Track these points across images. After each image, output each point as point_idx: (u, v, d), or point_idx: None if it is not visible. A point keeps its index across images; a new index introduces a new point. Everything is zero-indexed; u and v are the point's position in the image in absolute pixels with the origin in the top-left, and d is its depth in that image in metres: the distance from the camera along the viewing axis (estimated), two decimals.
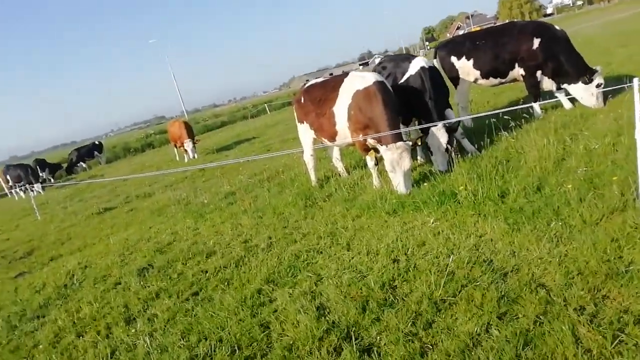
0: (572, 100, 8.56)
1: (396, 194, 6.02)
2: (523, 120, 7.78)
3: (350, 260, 4.67)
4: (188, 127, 18.51)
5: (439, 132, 6.43)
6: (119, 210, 11.28)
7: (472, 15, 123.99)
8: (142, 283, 5.64)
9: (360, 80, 6.46)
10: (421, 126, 6.53)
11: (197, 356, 3.74)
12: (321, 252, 5.09)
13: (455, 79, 8.76)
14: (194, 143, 17.97)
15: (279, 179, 9.20)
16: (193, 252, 6.28)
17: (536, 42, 7.94)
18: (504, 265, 3.86)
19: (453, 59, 8.70)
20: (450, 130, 6.51)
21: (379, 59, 8.67)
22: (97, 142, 30.41)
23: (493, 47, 8.25)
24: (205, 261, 5.86)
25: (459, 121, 6.82)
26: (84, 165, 28.21)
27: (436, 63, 9.02)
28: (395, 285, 3.98)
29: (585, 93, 7.93)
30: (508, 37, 8.19)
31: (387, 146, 5.93)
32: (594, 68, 7.84)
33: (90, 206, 12.78)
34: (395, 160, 5.84)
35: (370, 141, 6.32)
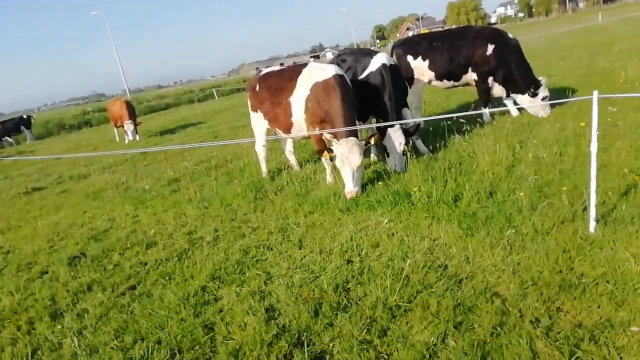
0: (520, 107, 8.82)
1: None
2: (477, 124, 7.88)
3: (302, 259, 4.49)
4: (130, 107, 17.49)
5: (397, 133, 6.37)
6: (49, 191, 10.42)
7: (421, 18, 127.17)
8: (72, 273, 5.17)
9: (320, 72, 6.25)
10: (382, 124, 6.43)
11: (132, 359, 3.42)
12: (271, 249, 4.87)
13: (411, 79, 8.76)
14: (135, 125, 17.03)
15: (227, 168, 8.84)
16: (131, 242, 5.86)
17: (490, 48, 8.07)
18: (459, 272, 3.82)
19: (409, 58, 8.69)
20: (408, 132, 6.47)
21: (330, 52, 8.47)
22: (25, 116, 28.06)
23: (449, 49, 8.30)
24: (145, 252, 5.47)
25: (418, 124, 6.78)
26: (9, 139, 26.07)
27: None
28: (349, 288, 3.84)
29: (532, 104, 8.21)
30: (464, 41, 8.26)
31: (338, 140, 5.79)
32: (539, 79, 8.09)
33: (17, 185, 11.73)
34: (345, 154, 5.67)
35: (327, 136, 6.15)
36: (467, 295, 3.46)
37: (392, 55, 8.94)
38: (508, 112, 8.91)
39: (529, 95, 8.08)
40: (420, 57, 8.57)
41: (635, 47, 16.00)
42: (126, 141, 17.20)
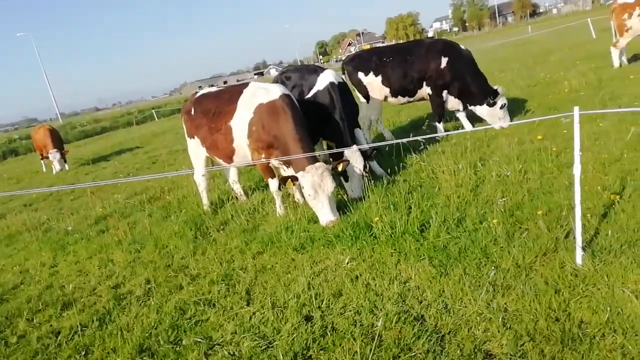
0: (472, 120, 8.55)
1: (304, 225, 5.22)
2: (433, 141, 7.47)
3: (251, 318, 3.73)
4: (54, 134, 15.96)
5: (355, 155, 5.78)
6: None
7: (362, 33, 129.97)
8: None
9: (264, 92, 5.59)
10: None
11: None
12: (214, 305, 4.08)
13: (366, 96, 8.29)
14: (62, 153, 15.55)
15: (164, 201, 7.92)
16: (44, 302, 4.86)
17: (444, 61, 7.73)
18: (439, 325, 3.21)
19: (360, 75, 8.21)
20: (366, 154, 5.89)
21: (274, 69, 7.86)
22: None
23: (402, 64, 7.90)
24: (60, 316, 4.51)
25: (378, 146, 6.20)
26: None
27: (345, 78, 8.49)
28: (311, 356, 3.13)
29: (491, 114, 7.92)
30: (416, 55, 7.89)
31: (304, 170, 5.13)
32: (495, 88, 7.83)
33: None
34: (317, 183, 5.06)
35: (275, 163, 5.47)
36: (453, 359, 2.85)
37: (342, 72, 8.46)
38: (461, 126, 8.62)
39: (487, 105, 7.78)
40: (372, 73, 8.11)
41: (568, 58, 16.52)
42: (54, 172, 15.69)
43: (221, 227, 5.98)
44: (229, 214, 6.28)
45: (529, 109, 8.95)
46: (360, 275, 4.06)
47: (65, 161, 15.72)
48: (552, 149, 6.18)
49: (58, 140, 15.86)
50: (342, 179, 5.94)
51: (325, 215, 5.16)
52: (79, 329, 4.10)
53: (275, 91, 5.57)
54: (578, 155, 3.44)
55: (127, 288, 4.84)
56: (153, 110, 42.03)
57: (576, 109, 3.41)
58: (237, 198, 6.97)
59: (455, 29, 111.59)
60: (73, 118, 65.20)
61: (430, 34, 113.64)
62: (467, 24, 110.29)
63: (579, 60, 14.96)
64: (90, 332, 4.03)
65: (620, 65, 11.91)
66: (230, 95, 5.96)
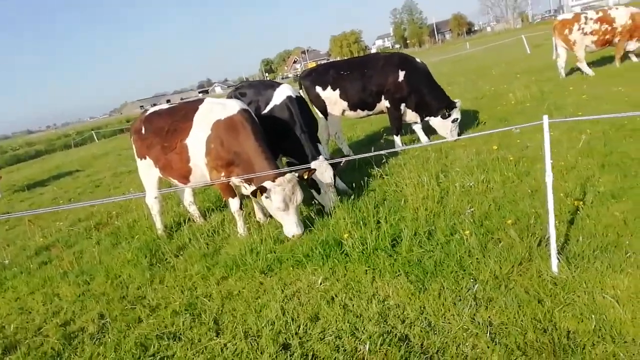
0: (427, 132, 8.66)
1: (270, 245, 4.98)
2: (397, 155, 7.46)
3: (222, 350, 3.43)
4: None
5: (323, 167, 5.63)
6: None
7: (307, 51, 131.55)
8: None
9: (221, 108, 5.34)
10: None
11: None
12: (179, 338, 3.73)
13: (324, 111, 8.19)
14: None
15: (113, 226, 7.39)
16: None
17: (401, 75, 7.78)
18: (425, 344, 3.07)
19: (318, 89, 8.11)
20: (335, 165, 5.77)
21: (219, 87, 7.61)
22: None
23: (360, 78, 7.89)
24: None
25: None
26: None
27: (302, 93, 8.38)
28: None
29: (442, 126, 8.08)
30: (374, 69, 7.91)
31: (273, 182, 4.92)
32: (454, 101, 7.98)
33: None
34: (288, 196, 4.90)
35: (236, 181, 5.21)
36: None
37: (299, 87, 8.34)
38: (418, 139, 8.70)
39: (441, 117, 7.93)
40: (329, 87, 8.04)
41: (509, 72, 17.30)
42: None
43: (179, 252, 5.61)
44: (186, 237, 5.91)
45: (481, 120, 9.18)
46: (336, 295, 3.87)
47: None
48: (510, 159, 6.31)
49: None
50: (313, 191, 5.78)
51: (292, 227, 5.01)
52: None
53: (232, 106, 5.34)
54: (549, 163, 3.47)
55: (77, 325, 4.38)
56: (93, 132, 40.15)
57: (545, 117, 3.45)
58: (194, 220, 6.61)
59: (397, 46, 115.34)
60: (3, 142, 61.16)
61: (373, 51, 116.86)
62: (408, 41, 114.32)
63: (519, 73, 15.67)
64: None
65: (564, 75, 12.53)
66: (184, 112, 5.66)
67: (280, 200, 4.87)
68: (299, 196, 5.02)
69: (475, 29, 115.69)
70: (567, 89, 10.67)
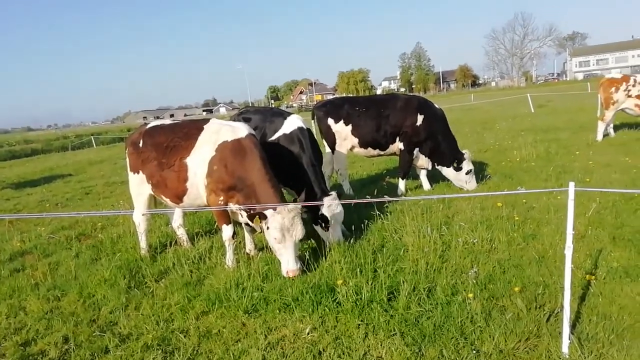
0: (431, 179, 8.46)
1: (258, 282, 4.65)
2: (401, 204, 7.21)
3: None
4: None
5: (334, 203, 5.41)
6: None
7: (314, 83, 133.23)
8: None
9: (229, 129, 5.14)
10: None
11: None
12: None
13: (332, 144, 8.02)
14: None
15: (95, 239, 7.04)
16: None
17: (420, 119, 7.66)
18: None
19: (330, 121, 7.98)
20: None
21: (224, 108, 7.44)
22: None
23: (376, 116, 7.76)
24: None
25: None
26: None
27: (314, 124, 8.24)
28: None
29: (457, 178, 7.96)
30: (391, 109, 7.79)
31: (273, 210, 4.66)
32: (463, 152, 7.82)
33: None
34: (287, 227, 4.59)
35: (234, 207, 4.95)
36: None
37: (312, 117, 8.22)
38: (420, 185, 8.50)
39: (454, 169, 7.77)
40: (342, 121, 7.90)
41: (513, 127, 17.35)
42: None
43: (160, 277, 5.27)
44: (170, 261, 5.58)
45: (487, 174, 9.00)
46: (324, 350, 3.54)
47: None
48: (515, 218, 6.08)
49: None
50: (319, 227, 5.52)
51: (289, 263, 4.69)
52: None
53: (241, 129, 5.14)
54: (571, 234, 3.22)
55: (39, 347, 4.01)
56: (92, 137, 39.92)
57: (571, 184, 3.22)
58: (181, 244, 6.28)
59: (402, 89, 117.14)
60: (2, 135, 60.76)
61: (379, 91, 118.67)
62: (413, 86, 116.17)
63: (523, 131, 15.69)
64: None
65: (604, 136, 12.22)
66: (188, 129, 5.44)
67: (276, 230, 4.59)
68: (299, 231, 4.70)
69: (480, 82, 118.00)
70: (573, 153, 10.58)
